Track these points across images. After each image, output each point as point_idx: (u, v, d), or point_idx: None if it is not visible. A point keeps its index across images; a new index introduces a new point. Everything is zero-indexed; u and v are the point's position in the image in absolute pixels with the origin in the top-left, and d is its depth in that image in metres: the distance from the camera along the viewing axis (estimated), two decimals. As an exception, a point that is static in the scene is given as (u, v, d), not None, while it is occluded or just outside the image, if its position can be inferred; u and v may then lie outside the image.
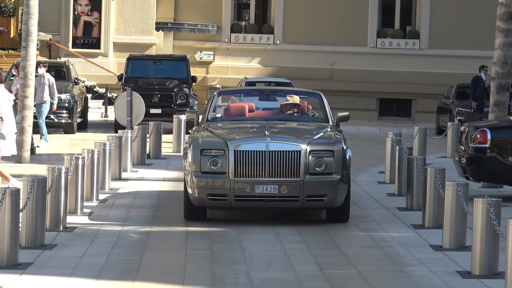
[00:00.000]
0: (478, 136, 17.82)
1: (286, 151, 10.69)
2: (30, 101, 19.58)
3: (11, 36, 39.40)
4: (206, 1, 41.32)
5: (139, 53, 37.08)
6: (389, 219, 15.14)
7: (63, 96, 29.86)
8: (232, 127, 13.02)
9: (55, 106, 27.56)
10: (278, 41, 40.21)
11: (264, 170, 10.62)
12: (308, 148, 10.73)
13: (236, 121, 13.36)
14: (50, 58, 36.38)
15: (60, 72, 32.97)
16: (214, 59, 39.84)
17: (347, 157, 11.49)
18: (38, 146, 25.74)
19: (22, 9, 28.48)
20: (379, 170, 23.30)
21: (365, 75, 39.36)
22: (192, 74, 34.01)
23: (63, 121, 30.85)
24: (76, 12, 39.20)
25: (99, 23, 39.52)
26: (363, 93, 39.02)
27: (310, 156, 10.67)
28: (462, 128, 20.01)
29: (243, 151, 10.81)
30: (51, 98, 27.13)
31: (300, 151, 10.64)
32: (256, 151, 10.74)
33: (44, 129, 26.99)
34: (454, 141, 24.76)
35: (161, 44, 40.24)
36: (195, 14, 40.61)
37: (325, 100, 13.79)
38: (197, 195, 10.71)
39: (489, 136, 17.46)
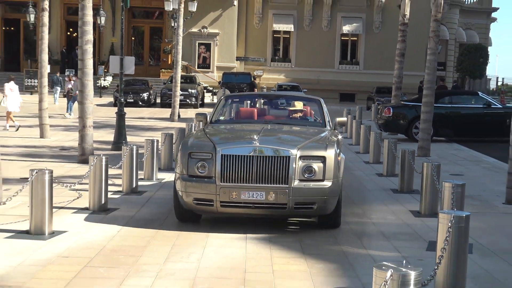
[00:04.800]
0: (386, 110, 25.56)
1: (274, 157, 9.05)
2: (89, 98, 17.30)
3: (169, 62, 49.08)
4: (259, 45, 55.48)
5: (228, 70, 49.34)
6: (358, 167, 17.64)
7: (193, 91, 41.55)
8: (229, 130, 11.69)
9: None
10: (293, 66, 55.85)
11: (251, 175, 8.96)
12: (298, 153, 9.08)
13: (237, 124, 12.08)
14: (186, 73, 46.86)
15: (192, 80, 44.27)
16: (263, 74, 52.76)
17: (340, 162, 9.72)
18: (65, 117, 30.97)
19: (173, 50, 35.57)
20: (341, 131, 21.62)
21: (333, 82, 53.79)
22: (253, 81, 47.36)
23: (193, 102, 41.03)
24: (199, 51, 52.86)
25: (210, 57, 53.12)
26: (332, 90, 52.55)
27: (300, 162, 9.05)
28: (379, 107, 28.87)
29: (230, 155, 9.11)
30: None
31: (289, 157, 8.99)
32: (244, 155, 9.08)
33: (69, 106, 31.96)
34: (374, 113, 32.19)
35: (238, 66, 53.50)
36: (254, 51, 55.33)
37: (324, 106, 12.14)
38: (184, 199, 9.28)
39: (391, 111, 25.40)
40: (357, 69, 56.12)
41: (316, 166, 9.10)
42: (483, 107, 25.38)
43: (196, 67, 52.05)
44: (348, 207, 11.29)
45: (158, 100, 42.51)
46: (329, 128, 11.46)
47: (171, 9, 39.22)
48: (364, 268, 7.75)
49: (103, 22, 46.10)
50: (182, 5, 31.83)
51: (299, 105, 12.91)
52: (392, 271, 4.44)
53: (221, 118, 12.38)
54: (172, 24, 41.66)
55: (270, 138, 10.01)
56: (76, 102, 25.47)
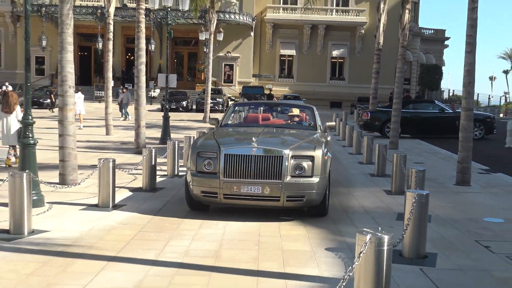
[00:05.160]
0: (365, 114, 26.19)
1: (269, 156, 8.28)
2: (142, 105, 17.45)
3: (202, 78, 48.98)
4: (269, 65, 55.38)
5: (246, 84, 50.15)
6: (344, 157, 17.58)
7: (220, 100, 41.86)
8: (234, 132, 10.44)
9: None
10: (295, 81, 55.88)
11: (250, 172, 8.21)
12: (290, 153, 8.29)
13: (242, 127, 11.02)
14: (215, 86, 45.33)
15: (219, 91, 44.51)
16: (272, 87, 51.38)
17: (327, 161, 8.75)
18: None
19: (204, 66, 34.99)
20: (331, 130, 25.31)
21: (325, 93, 53.98)
22: (270, 92, 46.94)
23: (220, 108, 40.25)
24: (224, 70, 53.15)
25: (232, 74, 53.50)
26: (324, 99, 52.57)
27: (292, 160, 8.26)
28: (360, 111, 29.86)
29: (232, 154, 8.36)
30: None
31: (282, 156, 8.24)
32: (244, 155, 8.32)
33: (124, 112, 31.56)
34: (356, 116, 32.76)
35: (254, 81, 53.37)
36: (266, 70, 55.25)
37: (316, 112, 11.19)
38: (194, 191, 8.57)
39: (369, 115, 25.82)
40: (343, 83, 56.18)
41: (306, 164, 8.33)
42: (438, 112, 25.63)
43: (222, 82, 52.36)
44: (336, 187, 11.38)
45: (194, 107, 42.25)
46: (320, 131, 10.45)
47: (203, 39, 39.44)
48: (349, 233, 7.78)
49: (153, 48, 46.22)
50: (212, 36, 32.03)
51: (295, 111, 12.15)
52: (371, 235, 4.42)
53: (229, 122, 11.34)
54: (204, 50, 41.82)
55: (267, 140, 9.10)
56: (128, 106, 25.80)
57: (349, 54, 55.41)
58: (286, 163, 8.25)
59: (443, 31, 66.00)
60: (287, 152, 8.35)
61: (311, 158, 8.39)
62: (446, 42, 67.20)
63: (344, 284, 4.21)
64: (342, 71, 56.58)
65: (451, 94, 73.03)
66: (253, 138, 8.58)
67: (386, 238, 4.44)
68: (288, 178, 8.25)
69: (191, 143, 11.10)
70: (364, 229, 4.53)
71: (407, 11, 20.36)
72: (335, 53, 55.50)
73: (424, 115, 25.40)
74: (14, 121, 13.14)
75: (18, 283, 5.59)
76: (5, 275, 5.81)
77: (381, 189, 11.64)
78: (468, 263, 6.54)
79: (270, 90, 48.54)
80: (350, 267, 4.38)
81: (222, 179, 8.32)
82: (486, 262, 6.63)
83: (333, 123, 10.61)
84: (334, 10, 54.72)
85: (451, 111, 26.12)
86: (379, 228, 4.58)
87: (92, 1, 49.89)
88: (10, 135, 13.10)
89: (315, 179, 8.33)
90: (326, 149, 8.91)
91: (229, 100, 45.29)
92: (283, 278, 5.82)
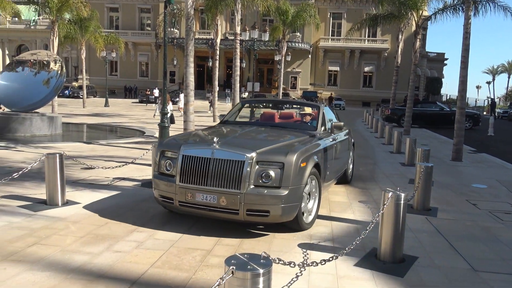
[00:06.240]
0: (387, 110, 25.19)
1: (229, 160, 4.74)
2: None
3: (276, 86, 46.41)
4: (321, 77, 52.83)
5: (305, 90, 49.58)
6: (372, 140, 17.11)
7: None
8: (212, 131, 6.05)
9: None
10: (338, 87, 52.92)
11: (207, 178, 4.75)
12: (255, 158, 4.74)
13: (233, 125, 6.52)
14: (284, 91, 43.41)
15: (287, 95, 43.09)
16: (322, 92, 50.69)
17: (304, 168, 4.90)
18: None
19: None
20: (362, 122, 26.90)
21: (359, 96, 52.30)
22: (331, 96, 45.98)
23: None
24: (291, 80, 51.45)
25: (296, 83, 52.05)
26: (358, 101, 51.74)
27: (257, 167, 4.73)
28: (383, 109, 27.97)
29: (190, 156, 4.87)
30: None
31: (243, 161, 4.70)
32: (202, 157, 4.82)
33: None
34: (380, 112, 29.70)
35: (310, 88, 51.71)
36: (318, 80, 53.25)
37: (322, 112, 6.72)
38: (155, 194, 5.22)
39: (389, 111, 24.76)
40: (371, 89, 53.80)
41: (273, 172, 4.71)
42: (439, 110, 24.82)
43: (289, 88, 51.30)
44: (365, 159, 11.06)
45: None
46: (321, 131, 6.34)
47: (277, 59, 39.22)
48: (375, 191, 7.48)
49: (244, 65, 45.80)
50: (283, 57, 31.75)
51: (307, 110, 7.53)
52: (392, 193, 4.20)
53: (230, 119, 7.07)
54: (278, 67, 41.46)
55: (234, 141, 5.26)
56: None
57: (376, 69, 53.31)
58: (248, 169, 4.68)
59: (443, 53, 62.92)
60: (251, 156, 4.74)
61: (280, 165, 4.73)
62: (445, 62, 63.90)
63: (372, 225, 4.06)
64: (371, 81, 54.00)
65: (448, 97, 69.95)
66: (215, 139, 4.92)
67: (402, 195, 4.21)
68: (250, 188, 4.65)
69: (159, 141, 7.50)
70: (387, 188, 4.30)
71: (418, 40, 19.58)
72: (366, 69, 53.54)
73: (429, 112, 24.58)
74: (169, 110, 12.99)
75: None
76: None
77: (397, 162, 11.18)
78: (460, 216, 6.18)
79: (332, 94, 46.72)
80: (377, 214, 4.18)
81: (178, 183, 4.87)
82: (474, 215, 6.26)
83: (341, 123, 6.55)
84: (366, 40, 52.73)
85: (448, 109, 25.05)
86: (398, 188, 4.34)
87: (205, 35, 50.05)
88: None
89: (283, 191, 4.63)
90: (307, 155, 5.03)
91: (293, 100, 44.88)
92: (329, 220, 5.67)
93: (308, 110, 7.48)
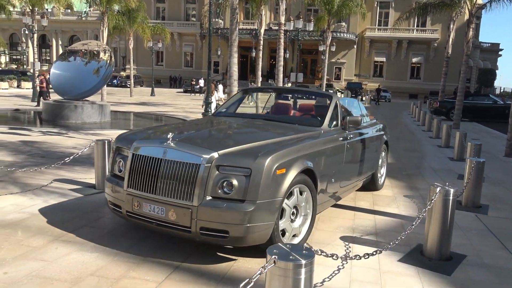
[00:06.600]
0: (435, 103, 24.58)
1: (181, 163, 3.48)
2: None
3: (319, 77, 46.39)
4: (367, 68, 51.32)
5: (349, 81, 48.05)
6: (419, 133, 17.47)
7: (331, 91, 42.68)
8: (193, 124, 4.98)
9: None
10: (384, 79, 51.00)
11: (156, 184, 3.56)
12: (215, 161, 3.43)
13: (222, 118, 5.30)
14: (328, 82, 41.02)
15: (331, 86, 41.59)
16: (367, 84, 49.22)
17: (282, 177, 3.52)
18: None
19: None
20: (409, 114, 26.41)
21: (405, 88, 50.47)
22: (378, 87, 41.87)
23: None
24: (334, 71, 50.18)
25: (340, 74, 50.61)
26: (405, 93, 49.95)
27: (217, 172, 3.42)
28: (431, 101, 27.58)
29: (140, 155, 3.71)
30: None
31: (198, 165, 3.41)
32: (153, 157, 3.62)
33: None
34: (428, 105, 30.32)
35: (355, 79, 50.07)
36: (364, 71, 51.89)
37: (333, 103, 5.15)
38: (107, 199, 4.10)
39: (438, 104, 24.03)
40: (419, 81, 51.91)
41: (237, 180, 3.43)
42: (492, 103, 23.74)
43: (333, 79, 50.12)
44: (412, 153, 10.73)
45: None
46: (327, 128, 4.86)
47: (321, 50, 38.65)
48: (421, 186, 7.25)
49: (287, 56, 45.56)
50: (327, 48, 31.28)
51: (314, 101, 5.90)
52: (440, 188, 4.04)
53: (223, 110, 5.66)
54: (322, 57, 40.99)
55: (197, 138, 4.05)
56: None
57: (424, 60, 51.40)
58: (205, 175, 3.45)
59: (498, 44, 59.50)
60: (210, 157, 3.49)
61: (247, 171, 3.44)
62: (499, 53, 60.58)
63: (419, 221, 3.91)
64: (419, 72, 51.98)
65: (502, 90, 66.69)
66: (174, 134, 3.75)
67: (451, 190, 4.03)
68: (206, 200, 3.45)
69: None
70: (435, 183, 4.15)
71: (471, 29, 18.57)
72: (414, 59, 51.73)
73: (481, 105, 23.42)
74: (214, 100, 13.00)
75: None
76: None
77: (445, 156, 10.75)
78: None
79: (379, 85, 45.47)
80: (424, 209, 4.02)
81: (126, 189, 3.79)
82: (528, 214, 5.89)
83: (358, 118, 5.01)
84: (415, 30, 50.78)
85: (502, 102, 23.80)
86: (446, 183, 4.16)
87: (249, 25, 49.94)
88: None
89: (248, 206, 3.38)
90: (289, 158, 3.69)
91: (337, 91, 44.36)
92: (373, 213, 5.53)
93: (322, 101, 5.62)
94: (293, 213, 3.88)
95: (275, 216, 3.53)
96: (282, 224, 3.73)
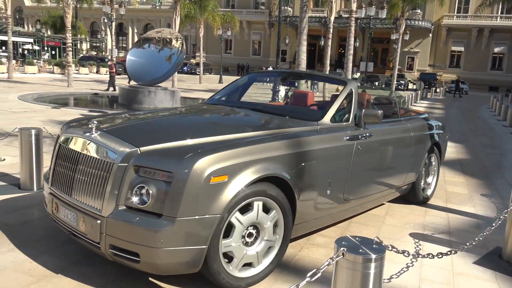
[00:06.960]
0: None
1: (97, 159, 2.50)
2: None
3: (390, 66, 46.59)
4: (442, 58, 48.56)
5: (423, 72, 45.37)
6: (494, 123, 16.67)
7: (403, 82, 37.76)
8: (156, 113, 3.54)
9: None
10: (461, 70, 48.32)
11: (72, 184, 2.61)
12: (133, 161, 2.35)
13: (210, 106, 4.10)
14: (399, 72, 40.48)
15: (403, 76, 40.87)
16: (442, 74, 47.70)
17: (211, 187, 2.34)
18: None
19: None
20: (488, 108, 25.30)
21: (485, 80, 47.12)
22: (458, 78, 42.99)
23: (401, 88, 36.43)
24: (407, 61, 47.90)
25: (413, 64, 47.86)
26: (484, 85, 46.59)
27: (135, 175, 2.34)
28: None
29: (64, 147, 2.81)
30: None
31: (111, 163, 2.39)
32: (73, 150, 2.70)
33: None
34: (510, 98, 30.88)
35: (429, 69, 47.29)
36: (439, 61, 48.81)
37: (344, 92, 3.69)
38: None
39: None
40: (501, 73, 48.44)
41: (155, 187, 2.36)
42: None
43: (405, 69, 48.18)
44: (492, 149, 9.99)
45: (383, 86, 40.40)
46: (327, 122, 3.53)
47: (394, 38, 37.35)
48: (501, 184, 6.70)
49: (357, 44, 44.62)
50: (400, 36, 29.99)
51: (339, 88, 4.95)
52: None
53: (217, 97, 4.56)
54: (394, 46, 39.63)
55: (128, 128, 2.95)
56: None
57: (508, 50, 47.95)
58: (118, 177, 2.49)
59: None
60: (126, 154, 2.53)
61: (168, 177, 2.39)
62: None
63: (499, 222, 3.59)
64: (501, 63, 48.53)
65: None
66: (94, 122, 2.87)
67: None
68: (118, 210, 2.48)
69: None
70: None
71: None
72: (496, 49, 48.45)
73: None
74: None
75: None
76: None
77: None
78: None
79: (458, 77, 43.23)
80: (506, 210, 3.71)
81: (49, 187, 3.00)
82: None
83: (377, 112, 3.62)
84: (499, 17, 47.31)
85: None
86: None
87: (318, 13, 49.34)
88: None
89: (164, 224, 2.35)
90: (236, 162, 2.57)
91: (409, 82, 42.63)
92: (446, 211, 5.24)
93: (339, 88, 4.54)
94: (249, 234, 2.80)
95: (208, 238, 2.48)
96: (226, 245, 2.65)
